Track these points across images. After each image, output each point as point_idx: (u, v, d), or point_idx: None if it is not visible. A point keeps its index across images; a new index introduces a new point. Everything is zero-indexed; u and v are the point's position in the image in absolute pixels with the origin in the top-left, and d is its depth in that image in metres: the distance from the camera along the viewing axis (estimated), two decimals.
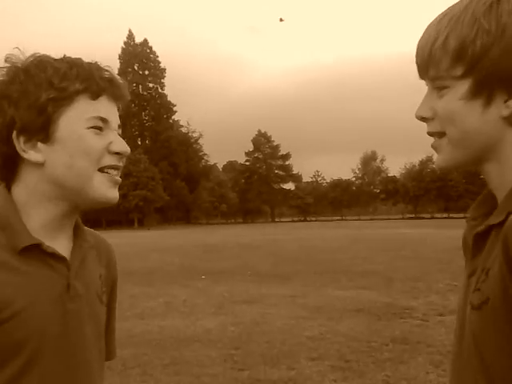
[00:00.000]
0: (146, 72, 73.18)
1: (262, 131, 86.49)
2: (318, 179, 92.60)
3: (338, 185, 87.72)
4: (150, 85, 73.81)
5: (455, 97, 0.77)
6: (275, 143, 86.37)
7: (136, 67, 72.06)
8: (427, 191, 74.99)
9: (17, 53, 0.98)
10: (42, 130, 0.94)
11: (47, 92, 0.93)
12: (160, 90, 74.33)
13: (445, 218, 70.06)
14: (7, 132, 0.95)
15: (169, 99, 74.19)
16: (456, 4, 0.78)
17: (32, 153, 0.95)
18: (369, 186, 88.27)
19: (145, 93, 73.34)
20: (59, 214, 0.98)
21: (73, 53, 1.01)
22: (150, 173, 61.63)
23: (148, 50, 72.67)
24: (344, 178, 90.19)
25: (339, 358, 5.12)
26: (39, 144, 0.95)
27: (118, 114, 1.02)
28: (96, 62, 1.00)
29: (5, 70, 0.97)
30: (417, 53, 0.81)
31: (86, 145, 0.95)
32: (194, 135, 77.34)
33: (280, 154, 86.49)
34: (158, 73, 73.47)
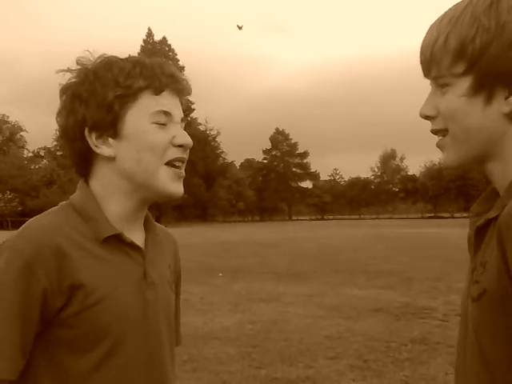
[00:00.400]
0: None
1: (280, 129, 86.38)
2: (336, 177, 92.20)
3: (356, 183, 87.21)
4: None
5: (457, 94, 0.78)
6: (293, 141, 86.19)
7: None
8: (447, 190, 74.14)
9: (87, 55, 1.04)
10: (111, 126, 1.00)
11: (113, 90, 0.99)
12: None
13: (464, 217, 69.07)
14: (80, 129, 1.01)
15: (187, 97, 74.53)
16: (457, 4, 0.81)
17: (104, 148, 1.01)
18: (388, 185, 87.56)
19: None
20: (131, 206, 1.04)
21: (96, 50, 1.06)
22: None
23: (167, 48, 73.00)
24: (362, 176, 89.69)
25: (357, 357, 5.10)
26: (110, 139, 1.01)
27: (180, 107, 1.06)
28: (158, 59, 1.06)
29: (76, 71, 1.03)
30: (420, 53, 0.83)
31: (150, 139, 1.00)
32: (212, 133, 77.71)
33: (298, 152, 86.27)
34: None
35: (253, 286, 9.67)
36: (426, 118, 0.84)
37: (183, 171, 1.05)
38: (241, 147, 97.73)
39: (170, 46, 73.54)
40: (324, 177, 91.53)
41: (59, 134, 1.06)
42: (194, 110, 75.17)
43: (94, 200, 1.03)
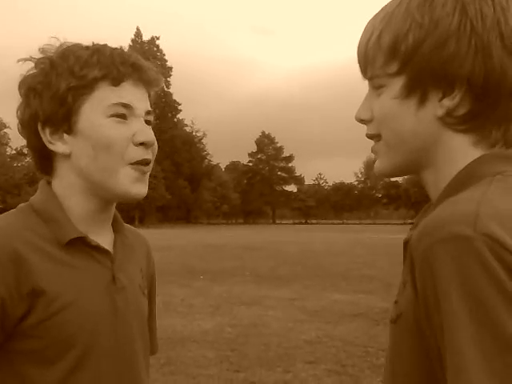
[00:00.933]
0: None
1: (266, 132, 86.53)
2: (321, 182, 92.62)
3: (340, 188, 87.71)
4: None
5: (390, 96, 0.73)
6: (279, 145, 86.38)
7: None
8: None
9: (55, 43, 0.96)
10: (65, 120, 0.92)
11: (67, 81, 0.91)
12: (166, 89, 74.31)
13: None
14: (35, 125, 0.94)
15: (174, 98, 74.35)
16: (392, 0, 0.74)
17: (59, 144, 0.94)
18: (371, 191, 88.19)
19: None
20: (92, 208, 0.96)
21: (66, 38, 0.98)
22: (153, 171, 58.56)
23: (155, 48, 72.76)
24: (347, 181, 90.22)
25: (335, 362, 5.11)
26: (65, 135, 0.93)
27: (147, 99, 0.97)
28: (121, 48, 0.97)
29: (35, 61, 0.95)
30: (357, 51, 0.77)
31: (106, 135, 0.92)
32: (198, 134, 77.53)
33: (283, 155, 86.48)
34: (165, 71, 73.33)
35: (234, 289, 9.64)
36: (361, 121, 0.78)
37: (146, 169, 0.97)
38: (226, 150, 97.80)
39: (158, 46, 73.29)
40: (308, 181, 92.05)
41: (18, 130, 0.98)
42: (180, 110, 75.03)
43: (56, 200, 0.96)
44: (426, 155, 0.74)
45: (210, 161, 79.73)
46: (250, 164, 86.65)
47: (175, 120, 74.23)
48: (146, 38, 73.06)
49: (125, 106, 0.93)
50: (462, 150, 0.72)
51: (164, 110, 72.93)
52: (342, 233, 39.13)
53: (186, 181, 69.90)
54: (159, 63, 72.49)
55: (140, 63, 0.96)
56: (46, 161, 0.97)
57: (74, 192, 0.96)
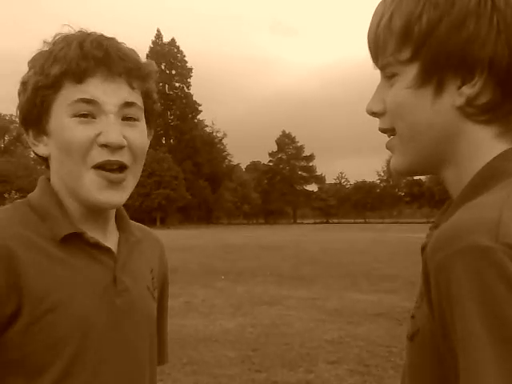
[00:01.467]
0: (173, 71, 73.77)
1: (287, 132, 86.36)
2: (342, 181, 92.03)
3: (361, 187, 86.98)
4: (177, 84, 74.30)
5: (403, 85, 0.66)
6: (299, 144, 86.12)
7: (163, 66, 72.56)
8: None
9: (67, 30, 0.88)
10: (39, 121, 0.87)
11: (36, 79, 0.85)
12: (186, 90, 74.84)
13: None
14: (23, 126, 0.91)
15: (194, 99, 74.73)
16: None
17: (41, 146, 0.90)
18: (393, 189, 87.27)
19: (171, 92, 73.92)
20: (81, 208, 0.90)
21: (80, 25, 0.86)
22: (174, 172, 62.10)
23: (175, 50, 73.26)
24: (368, 180, 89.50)
25: (358, 362, 5.06)
26: (45, 137, 0.88)
27: (127, 92, 0.86)
28: (108, 38, 0.86)
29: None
30: (367, 37, 0.70)
31: (67, 136, 0.84)
32: (219, 135, 77.80)
33: (304, 155, 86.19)
34: (185, 72, 73.98)
35: (255, 289, 9.64)
36: (373, 114, 0.71)
37: (120, 175, 0.86)
38: (247, 149, 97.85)
39: (178, 47, 73.78)
40: (330, 180, 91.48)
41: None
42: (201, 111, 75.36)
43: (54, 196, 0.89)
44: (444, 150, 0.67)
45: (231, 161, 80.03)
46: (271, 164, 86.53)
47: (195, 121, 74.56)
48: (166, 39, 73.60)
49: (88, 101, 0.83)
50: (484, 143, 0.65)
51: (184, 111, 73.39)
52: (364, 232, 38.82)
53: (206, 181, 70.21)
54: (179, 64, 73.18)
55: (111, 54, 0.84)
56: (42, 158, 0.93)
57: (63, 192, 0.90)
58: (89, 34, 0.87)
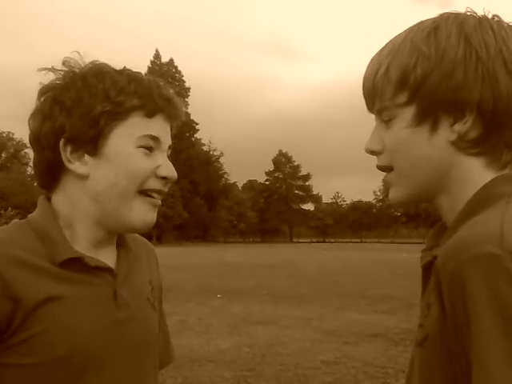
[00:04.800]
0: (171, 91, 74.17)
1: (283, 151, 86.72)
2: (338, 200, 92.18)
3: (358, 207, 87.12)
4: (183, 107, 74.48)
5: (401, 125, 0.76)
6: (296, 163, 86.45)
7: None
8: None
9: (76, 57, 0.94)
10: (91, 142, 0.90)
11: (102, 104, 0.90)
12: (183, 109, 75.19)
13: None
14: (55, 139, 0.90)
15: (192, 117, 75.13)
16: (397, 35, 0.78)
17: (78, 164, 0.91)
18: (390, 209, 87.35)
19: None
20: (99, 236, 0.94)
21: (87, 53, 0.96)
22: (170, 190, 59.35)
23: (174, 70, 73.89)
24: (365, 200, 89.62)
25: (354, 383, 5.02)
26: (86, 156, 0.91)
27: (170, 134, 0.98)
28: (156, 79, 0.96)
29: (61, 73, 0.93)
30: (362, 86, 0.80)
31: (132, 164, 0.91)
32: (216, 154, 78.06)
33: (300, 174, 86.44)
34: (183, 92, 74.40)
35: (251, 309, 9.57)
36: (372, 153, 0.80)
37: (159, 201, 0.96)
38: (243, 168, 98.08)
39: (176, 67, 74.40)
40: (326, 199, 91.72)
41: (29, 139, 0.94)
42: (198, 130, 75.70)
43: (54, 218, 0.92)
44: (440, 180, 0.76)
45: (227, 179, 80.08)
46: (267, 183, 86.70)
47: (193, 139, 74.86)
48: (164, 59, 74.25)
49: (154, 138, 0.93)
50: (475, 173, 0.74)
51: (182, 130, 73.48)
52: (361, 251, 38.73)
53: (203, 199, 70.17)
54: (177, 84, 73.75)
55: (174, 98, 0.96)
56: (52, 176, 0.94)
57: (83, 216, 0.93)
58: (139, 73, 0.96)
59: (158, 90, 0.94)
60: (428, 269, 0.76)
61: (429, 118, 0.74)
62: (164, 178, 0.94)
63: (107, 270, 0.93)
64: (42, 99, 0.93)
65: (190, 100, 75.41)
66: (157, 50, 74.61)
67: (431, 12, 0.80)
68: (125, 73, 0.94)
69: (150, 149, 0.93)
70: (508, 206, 0.68)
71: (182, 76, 74.76)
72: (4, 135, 68.85)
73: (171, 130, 0.98)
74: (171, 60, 74.34)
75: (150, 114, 0.92)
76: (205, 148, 77.10)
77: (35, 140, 0.93)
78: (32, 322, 0.83)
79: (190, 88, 75.23)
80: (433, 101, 0.73)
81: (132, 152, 0.92)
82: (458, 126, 0.73)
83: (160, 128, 0.94)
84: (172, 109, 0.96)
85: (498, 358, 0.58)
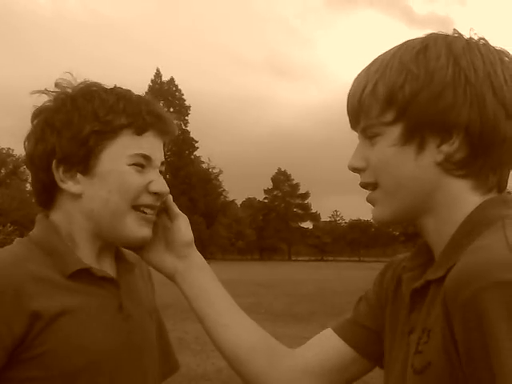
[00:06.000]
0: (171, 109, 74.64)
1: (282, 169, 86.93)
2: (337, 219, 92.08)
3: (356, 225, 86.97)
4: (174, 121, 74.79)
5: (387, 143, 0.75)
6: (295, 182, 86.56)
7: (161, 104, 72.97)
8: None
9: (68, 77, 0.96)
10: (83, 162, 0.93)
11: (91, 124, 0.92)
12: (183, 127, 75.61)
13: None
14: (47, 160, 0.93)
15: (191, 135, 75.44)
16: (384, 52, 0.77)
17: (70, 184, 0.94)
18: (388, 228, 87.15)
19: None
20: (96, 249, 0.98)
21: (79, 74, 0.99)
22: None
23: (174, 88, 74.40)
24: (363, 218, 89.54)
25: None
26: (78, 175, 0.94)
27: (162, 150, 0.99)
28: (146, 97, 0.98)
29: (53, 95, 0.96)
30: (347, 102, 0.79)
31: (124, 182, 0.93)
32: (215, 171, 78.20)
33: (299, 192, 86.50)
34: (183, 110, 74.88)
35: None
36: (355, 170, 0.79)
37: (153, 216, 0.97)
38: (242, 186, 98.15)
39: (177, 86, 74.93)
40: (324, 218, 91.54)
41: (25, 161, 0.99)
42: (197, 148, 75.96)
43: (57, 233, 0.95)
44: (425, 201, 0.75)
45: (226, 197, 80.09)
46: (266, 201, 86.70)
47: (192, 157, 75.10)
48: (165, 78, 74.84)
49: (144, 157, 0.95)
50: (461, 195, 0.74)
51: (181, 148, 73.89)
52: (359, 270, 38.57)
53: (201, 217, 70.09)
54: (178, 102, 74.23)
55: (164, 114, 0.98)
56: (48, 195, 0.97)
57: (79, 232, 0.96)
58: (129, 91, 0.97)
59: (146, 107, 0.95)
60: (419, 292, 0.74)
61: (415, 137, 0.73)
62: (156, 193, 0.96)
63: (111, 280, 0.97)
64: (35, 122, 0.96)
65: (189, 118, 75.94)
66: (157, 70, 75.36)
67: None
68: (114, 91, 0.96)
69: (141, 166, 0.95)
70: (505, 229, 0.67)
71: (183, 94, 75.31)
72: (4, 152, 69.03)
73: (164, 145, 1.00)
74: (172, 79, 74.97)
75: (139, 132, 0.94)
76: (204, 165, 77.31)
77: (30, 162, 0.97)
78: (46, 336, 0.86)
79: (190, 106, 75.76)
80: (420, 121, 0.72)
81: (124, 170, 0.94)
82: (445, 147, 0.72)
83: (150, 145, 0.96)
84: (163, 125, 0.97)
85: None
